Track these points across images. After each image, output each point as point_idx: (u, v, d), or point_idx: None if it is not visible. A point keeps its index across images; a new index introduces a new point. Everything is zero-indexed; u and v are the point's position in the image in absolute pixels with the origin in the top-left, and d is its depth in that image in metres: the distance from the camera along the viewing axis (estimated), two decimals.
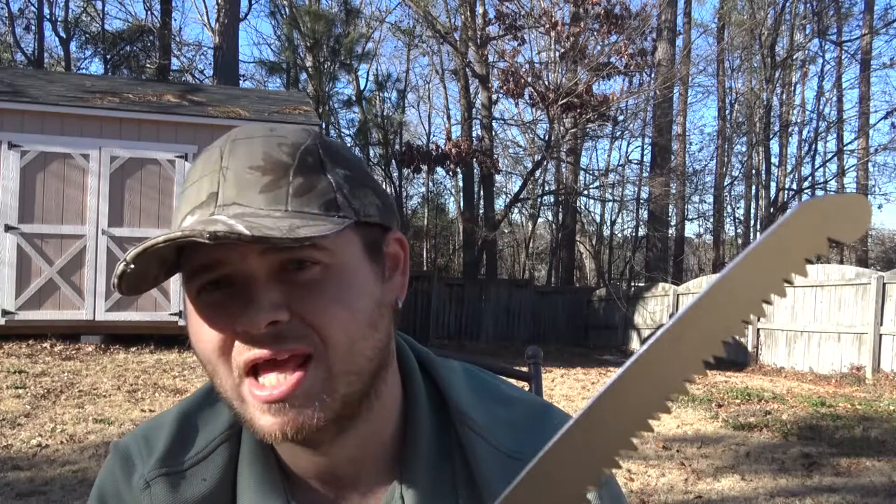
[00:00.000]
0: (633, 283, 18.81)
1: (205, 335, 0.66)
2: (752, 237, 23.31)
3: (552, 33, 15.65)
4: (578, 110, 15.63)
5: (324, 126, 15.14)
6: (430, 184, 23.35)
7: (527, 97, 16.46)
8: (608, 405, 0.50)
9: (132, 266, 0.62)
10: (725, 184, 23.17)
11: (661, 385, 0.50)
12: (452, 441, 0.76)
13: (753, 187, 23.48)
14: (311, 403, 0.65)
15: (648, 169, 19.79)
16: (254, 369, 0.65)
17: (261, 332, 0.63)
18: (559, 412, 0.83)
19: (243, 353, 0.64)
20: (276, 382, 0.64)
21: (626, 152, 23.30)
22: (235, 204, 0.64)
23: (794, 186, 22.53)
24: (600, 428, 0.51)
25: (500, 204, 22.14)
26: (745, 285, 0.50)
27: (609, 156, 25.98)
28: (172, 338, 9.31)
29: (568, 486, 0.52)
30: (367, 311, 0.68)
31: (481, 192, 19.00)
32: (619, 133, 21.48)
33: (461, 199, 20.47)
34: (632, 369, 0.50)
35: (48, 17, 20.00)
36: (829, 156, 22.91)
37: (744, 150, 23.38)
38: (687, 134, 22.35)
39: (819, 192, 23.11)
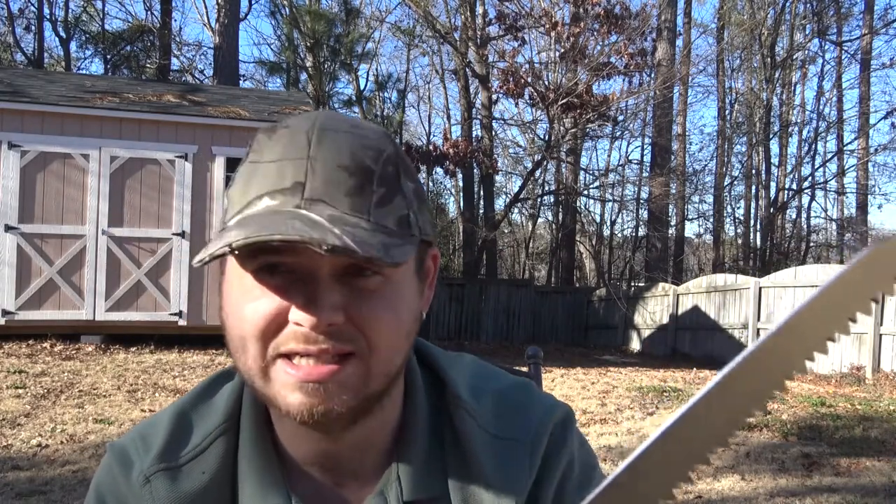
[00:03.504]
0: (633, 283, 18.80)
1: (251, 313, 0.67)
2: (752, 237, 23.33)
3: (552, 33, 15.64)
4: (578, 110, 15.62)
5: None
6: (430, 184, 23.35)
7: (527, 97, 16.46)
8: (673, 438, 0.52)
9: (237, 252, 0.64)
10: (725, 184, 23.17)
11: (719, 423, 0.52)
12: (445, 423, 0.80)
13: (753, 187, 23.48)
14: (344, 392, 0.67)
15: (648, 169, 19.79)
16: (288, 354, 0.67)
17: (318, 332, 0.65)
18: (539, 394, 0.85)
19: (290, 343, 0.66)
20: (313, 365, 0.66)
21: (626, 152, 23.29)
22: (322, 202, 0.65)
23: (794, 186, 22.54)
24: (665, 458, 0.52)
25: (500, 204, 22.16)
26: (811, 324, 0.51)
27: (609, 156, 25.99)
28: (172, 338, 9.31)
29: None
30: (409, 323, 0.71)
31: (481, 192, 19.00)
32: (619, 133, 21.48)
33: (461, 200, 20.48)
34: (694, 407, 0.51)
35: (48, 17, 20.01)
36: (829, 156, 22.93)
37: (744, 150, 23.40)
38: (687, 134, 22.35)
39: (819, 193, 23.12)
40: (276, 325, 0.66)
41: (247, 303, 0.67)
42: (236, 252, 0.63)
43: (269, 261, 0.66)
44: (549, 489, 0.80)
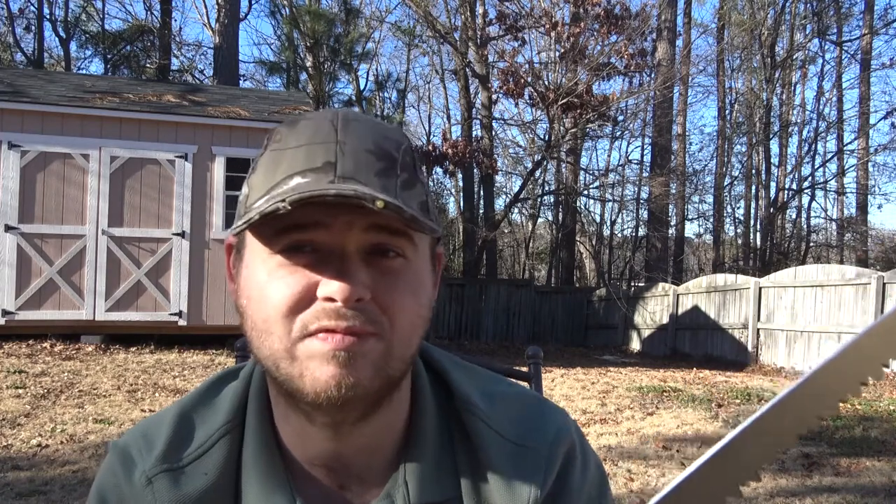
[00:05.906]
0: (633, 283, 18.81)
1: (278, 291, 0.67)
2: (752, 237, 23.33)
3: (552, 33, 15.65)
4: (578, 110, 15.62)
5: None
6: (431, 184, 23.34)
7: (527, 97, 16.46)
8: (731, 450, 0.58)
9: (288, 207, 0.64)
10: (725, 184, 23.18)
11: (770, 445, 0.57)
12: (455, 429, 0.79)
13: (753, 187, 23.49)
14: (370, 365, 0.67)
15: (648, 169, 19.80)
16: (316, 333, 0.67)
17: (348, 305, 0.66)
18: (553, 406, 0.86)
19: (318, 320, 0.66)
20: (342, 336, 0.66)
21: (626, 152, 23.31)
22: (354, 179, 0.66)
23: (794, 186, 22.54)
24: (721, 469, 0.58)
25: (500, 204, 22.17)
26: (848, 367, 0.55)
27: (609, 156, 25.97)
28: (172, 338, 9.31)
29: None
30: (426, 308, 0.73)
31: (481, 192, 19.01)
32: (619, 133, 21.49)
33: (461, 200, 20.49)
34: (749, 427, 0.57)
35: (48, 17, 20.01)
36: (829, 156, 22.94)
37: (744, 150, 23.41)
38: (687, 134, 22.36)
39: (819, 193, 23.11)
40: (305, 301, 0.67)
41: (273, 282, 0.68)
42: (289, 207, 0.63)
43: (297, 238, 0.67)
44: None
